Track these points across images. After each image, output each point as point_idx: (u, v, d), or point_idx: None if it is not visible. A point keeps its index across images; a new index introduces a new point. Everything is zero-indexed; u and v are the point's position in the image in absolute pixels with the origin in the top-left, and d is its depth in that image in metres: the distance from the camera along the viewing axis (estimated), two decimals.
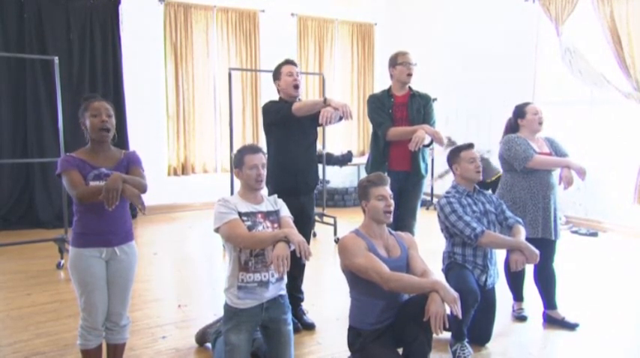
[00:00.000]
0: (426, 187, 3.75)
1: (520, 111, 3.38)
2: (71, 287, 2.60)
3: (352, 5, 8.45)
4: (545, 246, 3.21)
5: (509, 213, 3.07)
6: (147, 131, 6.94)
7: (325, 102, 2.92)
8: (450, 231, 2.96)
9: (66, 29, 6.36)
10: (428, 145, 3.45)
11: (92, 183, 2.24)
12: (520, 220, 3.06)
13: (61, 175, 2.25)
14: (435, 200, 7.51)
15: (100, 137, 2.31)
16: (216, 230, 2.41)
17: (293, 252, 2.28)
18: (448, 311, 2.28)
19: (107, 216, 2.24)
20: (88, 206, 2.26)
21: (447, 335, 2.79)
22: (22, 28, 6.13)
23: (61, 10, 6.31)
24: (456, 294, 2.27)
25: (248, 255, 2.41)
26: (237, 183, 2.64)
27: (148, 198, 2.30)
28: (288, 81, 3.18)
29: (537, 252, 2.82)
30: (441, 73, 7.82)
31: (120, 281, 2.36)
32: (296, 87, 3.18)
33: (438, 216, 2.99)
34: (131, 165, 2.39)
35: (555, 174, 3.34)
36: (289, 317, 2.57)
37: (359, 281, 2.47)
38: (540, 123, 3.33)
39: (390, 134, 3.42)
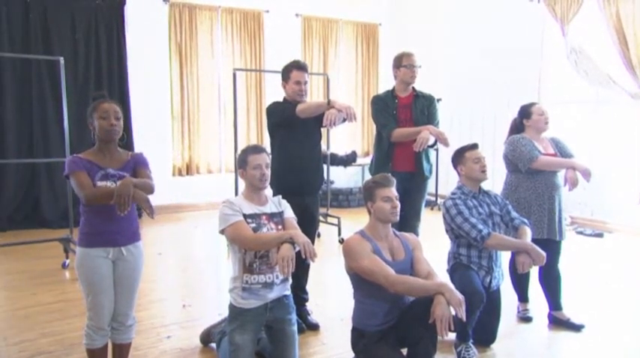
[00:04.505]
0: (430, 187, 3.74)
1: (526, 112, 3.37)
2: (76, 286, 2.61)
3: (356, 5, 8.43)
4: (551, 246, 3.19)
5: (514, 214, 3.05)
6: (151, 131, 6.94)
7: (329, 104, 2.92)
8: (455, 233, 2.95)
9: (71, 30, 6.38)
10: (432, 146, 3.45)
11: (99, 184, 2.25)
12: (526, 221, 3.04)
13: (69, 176, 2.26)
14: (439, 200, 7.50)
15: (108, 136, 2.32)
16: (222, 232, 2.42)
17: (298, 253, 2.28)
18: (453, 313, 2.27)
19: (114, 217, 2.25)
20: (95, 207, 2.26)
21: (451, 336, 2.78)
22: (28, 29, 6.14)
23: (66, 10, 6.33)
24: (461, 297, 2.26)
25: (252, 256, 2.42)
26: (242, 183, 2.64)
27: (152, 199, 2.30)
28: (294, 89, 3.18)
29: (544, 253, 2.81)
30: (445, 73, 7.79)
31: (126, 281, 2.37)
32: (301, 96, 3.19)
33: (444, 218, 2.98)
34: (138, 166, 2.39)
35: (560, 175, 3.32)
36: (294, 317, 2.57)
37: (363, 284, 2.46)
38: (546, 124, 3.32)
39: (394, 135, 3.42)
